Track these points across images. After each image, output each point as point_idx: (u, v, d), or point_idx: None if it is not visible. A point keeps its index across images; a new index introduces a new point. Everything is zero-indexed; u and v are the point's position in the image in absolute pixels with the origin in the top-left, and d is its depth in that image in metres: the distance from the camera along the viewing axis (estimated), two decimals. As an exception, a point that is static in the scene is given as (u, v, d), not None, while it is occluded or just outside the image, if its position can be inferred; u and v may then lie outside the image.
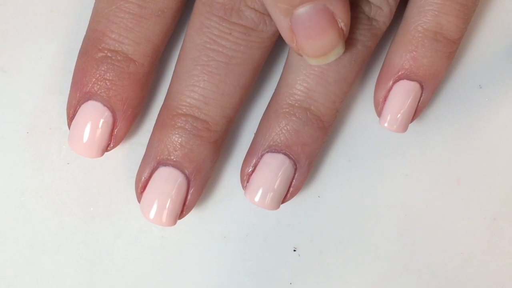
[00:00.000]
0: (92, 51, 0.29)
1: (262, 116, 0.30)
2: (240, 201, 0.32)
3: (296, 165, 0.30)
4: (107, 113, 0.29)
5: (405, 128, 0.31)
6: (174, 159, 0.29)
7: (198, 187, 0.29)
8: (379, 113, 0.31)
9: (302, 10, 0.25)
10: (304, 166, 0.30)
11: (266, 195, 0.29)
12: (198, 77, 0.28)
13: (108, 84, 0.29)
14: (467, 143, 0.33)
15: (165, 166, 0.29)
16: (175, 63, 0.30)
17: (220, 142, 0.30)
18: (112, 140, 0.30)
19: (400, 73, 0.30)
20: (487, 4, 0.34)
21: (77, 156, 0.32)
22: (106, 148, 0.30)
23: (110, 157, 0.32)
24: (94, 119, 0.29)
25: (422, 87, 0.30)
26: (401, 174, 0.33)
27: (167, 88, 0.30)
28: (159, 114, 0.30)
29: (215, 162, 0.30)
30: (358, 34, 0.29)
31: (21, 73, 0.32)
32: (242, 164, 0.30)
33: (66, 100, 0.30)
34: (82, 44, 0.30)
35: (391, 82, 0.30)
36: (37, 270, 0.32)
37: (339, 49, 0.26)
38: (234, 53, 0.28)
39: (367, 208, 0.33)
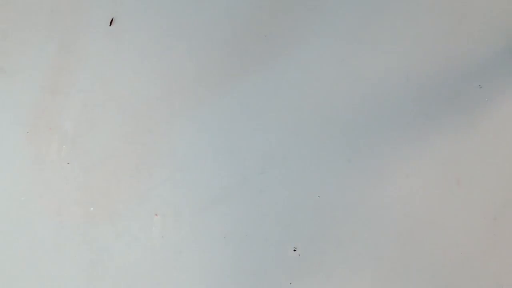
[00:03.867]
0: None
1: None
2: (240, 201, 0.32)
3: None
4: None
5: None
6: None
7: None
8: None
9: None
10: None
11: None
12: None
13: None
14: (467, 143, 0.33)
15: None
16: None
17: None
18: None
19: None
20: (488, 4, 0.34)
21: (77, 156, 0.32)
22: None
23: (110, 157, 0.32)
24: None
25: None
26: (401, 175, 0.33)
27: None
28: None
29: None
30: None
31: (21, 73, 0.32)
32: None
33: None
34: None
35: None
36: (37, 270, 0.32)
37: None
38: None
39: (367, 208, 0.33)
